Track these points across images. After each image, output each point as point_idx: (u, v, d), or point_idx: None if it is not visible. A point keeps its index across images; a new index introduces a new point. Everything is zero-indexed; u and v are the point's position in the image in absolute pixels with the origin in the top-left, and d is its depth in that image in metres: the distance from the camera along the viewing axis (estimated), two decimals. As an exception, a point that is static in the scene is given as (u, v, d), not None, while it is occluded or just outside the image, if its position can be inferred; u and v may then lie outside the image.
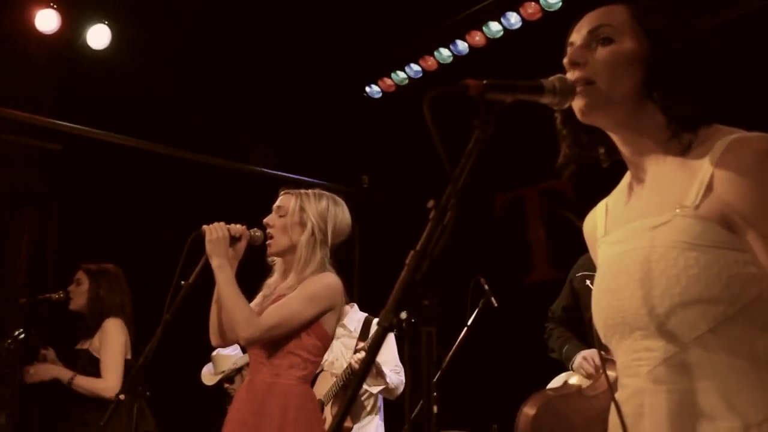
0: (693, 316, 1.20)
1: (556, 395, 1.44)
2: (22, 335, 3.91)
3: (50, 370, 3.84)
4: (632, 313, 1.27)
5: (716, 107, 1.32)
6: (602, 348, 1.41)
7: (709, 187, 1.23)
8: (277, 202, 2.84)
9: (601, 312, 1.35)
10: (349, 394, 1.06)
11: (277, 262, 2.88)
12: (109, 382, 3.74)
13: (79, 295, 3.98)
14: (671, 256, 1.22)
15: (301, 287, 2.68)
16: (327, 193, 2.87)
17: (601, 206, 1.50)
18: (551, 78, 1.30)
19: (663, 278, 1.22)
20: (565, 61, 1.35)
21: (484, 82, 1.20)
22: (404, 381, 3.84)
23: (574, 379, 3.27)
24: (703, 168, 1.24)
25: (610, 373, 1.39)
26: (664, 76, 1.30)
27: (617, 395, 1.33)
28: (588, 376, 2.89)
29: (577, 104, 1.32)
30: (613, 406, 1.32)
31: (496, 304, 3.91)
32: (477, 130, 1.19)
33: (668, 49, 1.31)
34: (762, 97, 3.60)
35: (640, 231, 1.30)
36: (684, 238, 1.22)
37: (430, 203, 1.13)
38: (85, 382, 3.77)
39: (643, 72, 1.31)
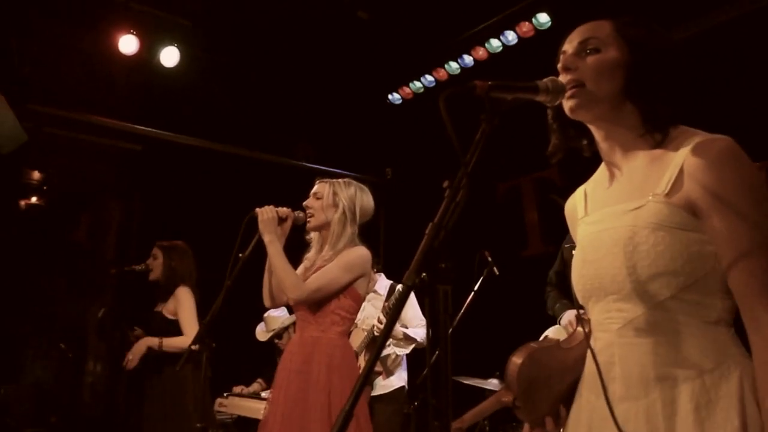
0: (659, 284, 1.19)
1: (538, 347, 1.42)
2: (105, 310, 3.96)
3: (141, 344, 3.83)
4: (608, 279, 1.26)
5: (684, 109, 1.29)
6: (580, 308, 1.39)
7: (679, 178, 1.21)
8: (314, 189, 2.85)
9: (580, 279, 1.34)
10: (378, 342, 1.05)
11: (314, 238, 2.88)
12: (190, 338, 3.76)
13: (156, 267, 4.00)
14: (644, 234, 1.21)
15: (338, 258, 2.69)
16: (354, 181, 2.88)
17: (579, 191, 1.47)
18: (545, 79, 1.28)
19: (636, 252, 1.21)
20: (559, 66, 1.32)
21: (489, 82, 1.18)
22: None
23: (551, 332, 3.27)
24: (674, 162, 1.23)
25: (580, 330, 1.39)
26: (642, 81, 1.27)
27: (592, 345, 1.32)
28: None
29: (568, 103, 1.30)
30: (589, 355, 1.31)
31: (497, 273, 3.90)
32: (483, 123, 1.18)
33: (645, 57, 1.28)
34: (724, 102, 3.53)
35: (618, 213, 1.28)
36: (655, 220, 1.21)
37: (445, 183, 1.11)
38: (172, 342, 3.77)
39: (624, 77, 1.28)
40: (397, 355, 4.10)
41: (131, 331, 4.04)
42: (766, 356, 1.13)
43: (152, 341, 3.81)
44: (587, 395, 1.33)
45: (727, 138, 1.21)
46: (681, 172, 1.21)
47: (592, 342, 1.32)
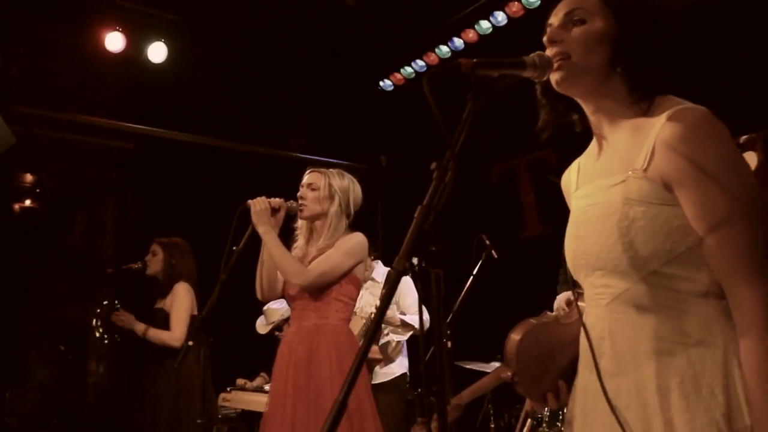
0: (642, 259, 1.18)
1: (538, 323, 1.42)
2: (108, 304, 3.94)
3: (131, 321, 3.85)
4: (594, 255, 1.25)
5: (671, 79, 1.26)
6: (576, 285, 1.38)
7: (653, 152, 1.19)
8: (307, 179, 2.83)
9: (570, 254, 1.34)
10: (371, 328, 1.04)
11: (302, 228, 2.88)
12: (175, 333, 3.76)
13: (155, 263, 3.99)
14: (624, 210, 1.19)
15: (338, 244, 2.70)
16: (345, 172, 2.89)
17: (574, 165, 1.46)
18: (531, 55, 1.26)
19: (617, 228, 1.20)
20: (545, 39, 1.30)
21: (474, 60, 1.16)
22: (429, 317, 3.85)
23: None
24: (651, 135, 1.20)
25: (581, 304, 1.38)
26: (628, 51, 1.25)
27: (584, 320, 1.32)
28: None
29: (554, 76, 1.27)
30: (581, 330, 1.31)
31: (496, 256, 3.88)
32: (470, 101, 1.16)
33: (632, 27, 1.26)
34: (714, 73, 3.51)
35: (602, 188, 1.27)
36: (634, 196, 1.19)
37: (433, 165, 1.10)
38: (155, 334, 3.78)
39: (610, 47, 1.25)
40: (397, 342, 4.09)
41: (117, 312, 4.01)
42: (748, 333, 1.11)
43: (138, 327, 3.81)
44: (582, 371, 1.33)
45: (701, 108, 1.19)
46: (655, 144, 1.19)
47: (584, 317, 1.32)
